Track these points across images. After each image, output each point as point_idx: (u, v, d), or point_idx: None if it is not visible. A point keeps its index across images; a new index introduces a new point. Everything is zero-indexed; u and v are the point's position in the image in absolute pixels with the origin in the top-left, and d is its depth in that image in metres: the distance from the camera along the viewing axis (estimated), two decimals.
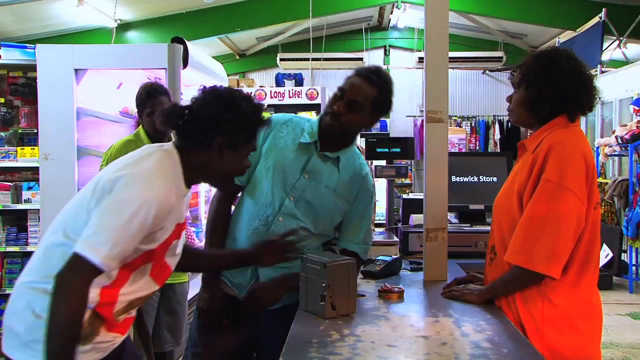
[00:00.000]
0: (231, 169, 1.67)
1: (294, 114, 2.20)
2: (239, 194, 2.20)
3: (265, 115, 1.71)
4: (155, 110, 3.03)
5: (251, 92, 7.09)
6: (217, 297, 2.09)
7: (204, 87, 1.64)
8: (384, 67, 11.26)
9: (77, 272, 1.42)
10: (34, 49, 4.03)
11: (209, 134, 1.59)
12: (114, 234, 1.44)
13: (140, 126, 3.20)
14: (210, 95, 1.62)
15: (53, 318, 1.39)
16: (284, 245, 1.94)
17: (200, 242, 3.87)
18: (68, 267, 1.42)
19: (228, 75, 6.41)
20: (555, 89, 1.84)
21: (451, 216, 3.50)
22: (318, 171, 2.07)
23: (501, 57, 10.29)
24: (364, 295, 2.03)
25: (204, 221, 4.36)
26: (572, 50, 1.92)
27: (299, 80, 8.11)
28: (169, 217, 1.56)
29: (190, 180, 1.65)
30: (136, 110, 3.25)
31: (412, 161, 10.19)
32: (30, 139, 4.26)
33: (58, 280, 1.41)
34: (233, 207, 2.22)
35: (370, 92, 2.03)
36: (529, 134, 2.13)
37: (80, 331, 1.43)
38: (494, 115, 10.90)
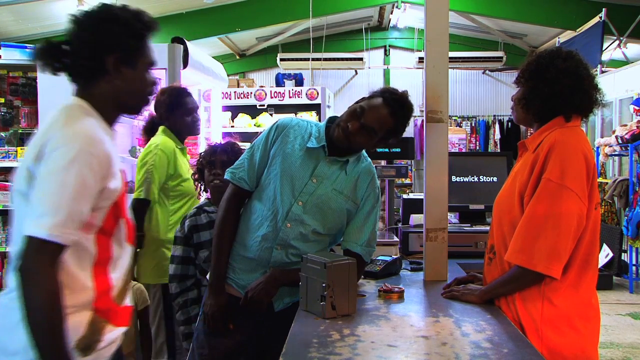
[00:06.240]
0: (139, 85, 1.54)
1: (300, 118, 2.20)
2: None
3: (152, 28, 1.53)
4: (191, 107, 3.21)
5: (251, 92, 7.12)
6: (222, 303, 2.09)
7: (72, 15, 1.48)
8: (384, 67, 11.36)
9: (35, 256, 1.28)
10: (34, 49, 4.02)
11: (99, 56, 1.45)
12: (54, 200, 1.31)
13: (162, 127, 3.20)
14: (83, 17, 1.47)
15: (30, 314, 1.27)
16: None
17: None
18: (23, 254, 1.29)
19: (228, 75, 6.40)
20: (547, 86, 1.83)
21: (451, 216, 3.50)
22: (326, 175, 2.07)
23: (501, 57, 10.30)
24: (364, 295, 2.03)
25: None
26: (577, 51, 1.90)
27: (299, 80, 8.12)
28: (112, 161, 1.44)
29: (109, 117, 1.53)
30: (159, 112, 3.23)
31: (412, 161, 10.19)
32: (30, 139, 4.25)
33: (20, 272, 1.28)
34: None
35: (388, 123, 2.04)
36: (529, 134, 2.13)
37: (63, 318, 1.30)
38: (494, 115, 10.92)
